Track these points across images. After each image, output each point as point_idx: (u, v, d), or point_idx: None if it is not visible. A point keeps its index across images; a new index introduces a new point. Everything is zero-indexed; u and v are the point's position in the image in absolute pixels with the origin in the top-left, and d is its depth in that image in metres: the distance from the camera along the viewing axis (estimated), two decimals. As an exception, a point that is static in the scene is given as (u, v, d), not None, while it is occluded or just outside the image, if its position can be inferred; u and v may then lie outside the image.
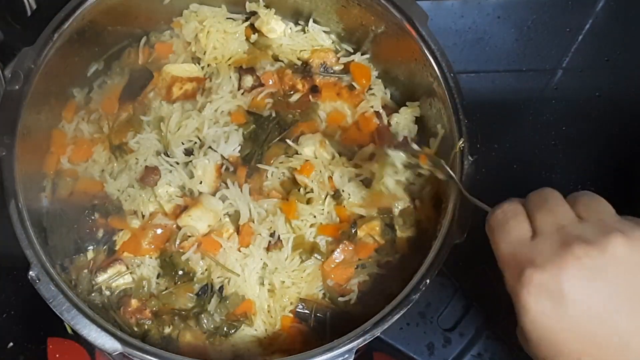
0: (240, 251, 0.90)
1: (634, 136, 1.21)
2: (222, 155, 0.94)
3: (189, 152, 0.94)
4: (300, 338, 0.89)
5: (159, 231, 0.91)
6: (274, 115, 0.99)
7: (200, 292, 0.89)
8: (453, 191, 0.84)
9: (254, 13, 1.03)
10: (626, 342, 0.47)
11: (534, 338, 0.50)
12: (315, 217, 0.93)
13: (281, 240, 0.90)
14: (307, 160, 0.94)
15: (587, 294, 0.47)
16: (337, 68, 1.04)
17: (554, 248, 0.49)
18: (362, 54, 1.04)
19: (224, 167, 0.94)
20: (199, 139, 0.95)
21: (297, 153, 0.95)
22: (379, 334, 0.78)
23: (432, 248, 0.81)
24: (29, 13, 1.10)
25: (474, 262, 1.11)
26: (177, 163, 0.93)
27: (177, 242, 0.90)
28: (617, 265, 0.48)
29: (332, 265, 0.90)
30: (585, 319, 0.47)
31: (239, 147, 0.95)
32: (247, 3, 1.03)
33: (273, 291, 0.90)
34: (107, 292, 0.90)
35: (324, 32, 1.05)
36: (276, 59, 1.04)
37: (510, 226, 0.54)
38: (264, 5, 1.02)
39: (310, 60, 1.03)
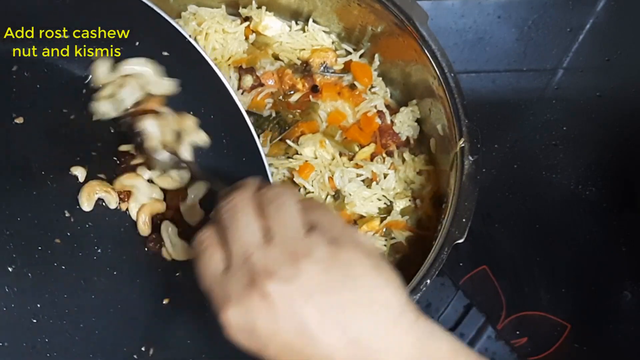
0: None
1: (635, 136, 1.21)
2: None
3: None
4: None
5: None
6: (274, 115, 0.99)
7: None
8: (454, 191, 0.84)
9: (249, 18, 1.03)
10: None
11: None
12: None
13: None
14: (306, 162, 0.93)
15: (279, 329, 0.46)
16: (338, 67, 1.04)
17: (242, 284, 0.47)
18: (360, 55, 1.04)
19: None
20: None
21: (297, 153, 0.95)
22: (379, 334, 0.78)
23: (433, 248, 0.81)
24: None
25: (474, 262, 1.12)
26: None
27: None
28: (305, 292, 0.46)
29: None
30: (282, 352, 0.47)
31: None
32: (241, 9, 1.03)
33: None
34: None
35: (324, 32, 1.05)
36: (276, 58, 1.04)
37: (205, 259, 0.51)
38: (256, 7, 1.02)
39: (311, 60, 1.03)
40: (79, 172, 0.69)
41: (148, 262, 0.71)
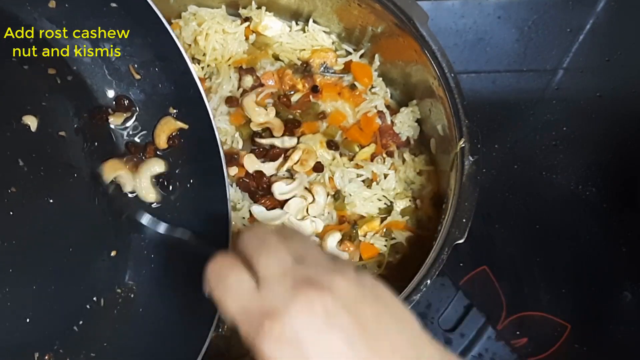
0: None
1: (635, 136, 1.21)
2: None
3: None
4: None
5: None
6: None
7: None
8: (454, 192, 0.84)
9: (249, 19, 1.03)
10: None
11: None
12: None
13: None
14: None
15: (325, 338, 0.46)
16: (338, 68, 1.04)
17: (285, 294, 0.48)
18: (360, 55, 1.04)
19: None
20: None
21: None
22: (379, 335, 0.78)
23: (433, 248, 0.81)
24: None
25: (475, 262, 1.12)
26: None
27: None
28: (345, 303, 0.47)
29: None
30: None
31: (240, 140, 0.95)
32: (241, 9, 1.03)
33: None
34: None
35: (324, 32, 1.05)
36: (276, 58, 1.04)
37: (231, 281, 0.51)
38: (256, 7, 1.02)
39: (311, 60, 1.03)
40: (31, 122, 0.69)
41: (99, 214, 0.73)
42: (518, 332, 1.08)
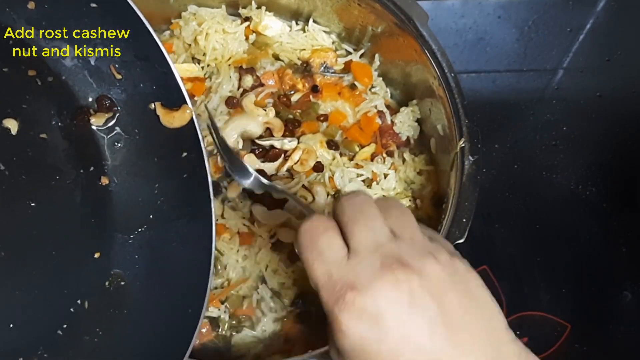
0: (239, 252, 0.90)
1: (635, 136, 1.21)
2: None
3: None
4: (301, 338, 0.89)
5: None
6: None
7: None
8: (454, 192, 0.84)
9: (249, 19, 1.03)
10: None
11: None
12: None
13: (282, 242, 0.90)
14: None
15: (406, 319, 0.46)
16: (338, 68, 1.04)
17: (373, 270, 0.47)
18: (360, 55, 1.04)
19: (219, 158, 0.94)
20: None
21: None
22: (379, 335, 0.77)
23: (433, 248, 0.81)
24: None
25: (474, 262, 1.12)
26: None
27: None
28: (432, 289, 0.47)
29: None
30: (404, 344, 0.46)
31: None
32: (241, 9, 1.03)
33: (274, 292, 0.90)
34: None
35: (324, 32, 1.05)
36: (277, 58, 1.04)
37: (322, 244, 0.50)
38: (256, 7, 1.02)
39: (311, 60, 1.03)
40: (11, 125, 0.69)
41: (81, 216, 0.72)
42: (518, 332, 1.07)
